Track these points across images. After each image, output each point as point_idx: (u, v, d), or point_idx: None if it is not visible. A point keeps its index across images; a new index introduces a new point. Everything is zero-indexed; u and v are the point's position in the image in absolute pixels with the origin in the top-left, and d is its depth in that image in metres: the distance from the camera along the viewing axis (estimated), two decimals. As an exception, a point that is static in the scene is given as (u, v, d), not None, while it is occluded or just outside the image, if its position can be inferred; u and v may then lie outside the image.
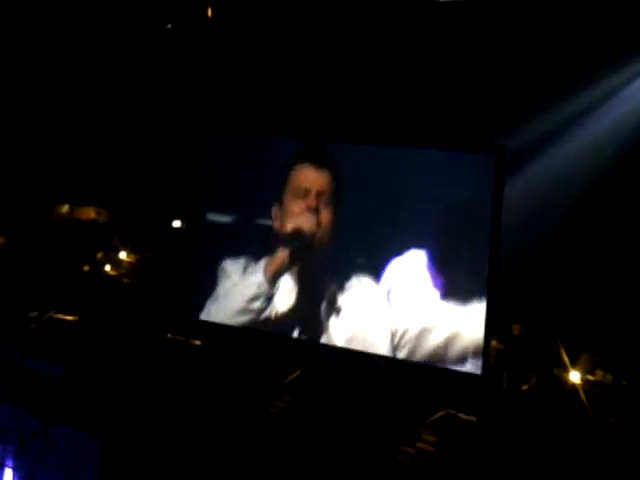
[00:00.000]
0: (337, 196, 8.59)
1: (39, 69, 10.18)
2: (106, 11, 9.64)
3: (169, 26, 9.57)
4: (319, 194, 8.62)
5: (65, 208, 10.91)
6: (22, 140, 10.50)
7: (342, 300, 8.49)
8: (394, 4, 8.30)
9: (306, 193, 8.65)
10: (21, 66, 10.19)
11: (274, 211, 8.82)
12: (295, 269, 8.73)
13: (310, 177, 8.70)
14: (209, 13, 9.33)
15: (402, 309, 8.19)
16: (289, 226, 8.66)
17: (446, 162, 8.08)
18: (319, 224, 8.58)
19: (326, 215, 8.60)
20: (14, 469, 8.47)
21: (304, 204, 8.63)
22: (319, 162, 8.68)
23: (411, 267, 8.15)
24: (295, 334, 8.73)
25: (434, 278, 8.03)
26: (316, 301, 8.63)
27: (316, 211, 8.59)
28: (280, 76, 9.03)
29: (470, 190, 7.91)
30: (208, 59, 9.44)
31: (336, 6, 8.57)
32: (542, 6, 7.64)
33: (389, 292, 8.24)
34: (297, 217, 8.63)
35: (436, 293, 8.01)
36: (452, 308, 7.91)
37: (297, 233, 8.62)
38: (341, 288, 8.49)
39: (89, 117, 10.25)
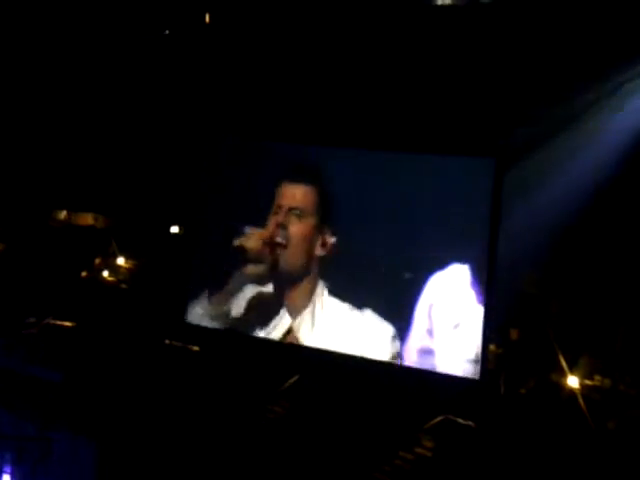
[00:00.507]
0: (326, 211, 8.67)
1: (38, 76, 10.19)
2: (104, 18, 9.65)
3: (167, 32, 9.58)
4: (290, 209, 8.70)
5: (63, 214, 10.92)
6: (21, 146, 10.50)
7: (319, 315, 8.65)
8: (391, 9, 8.30)
9: (279, 209, 8.76)
10: (21, 73, 10.21)
11: None
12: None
13: (286, 193, 8.80)
14: (207, 19, 9.35)
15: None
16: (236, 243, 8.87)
17: (445, 167, 8.10)
18: (288, 238, 8.68)
19: (295, 229, 8.68)
20: (12, 475, 8.47)
21: (275, 221, 8.74)
22: (296, 178, 8.76)
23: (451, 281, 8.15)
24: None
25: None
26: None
27: (284, 227, 8.70)
28: (277, 82, 9.05)
29: (469, 195, 7.92)
30: (205, 66, 9.45)
31: (334, 12, 8.58)
32: (544, 12, 7.64)
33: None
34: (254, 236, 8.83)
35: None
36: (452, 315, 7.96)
37: (238, 249, 8.81)
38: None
39: (87, 124, 10.26)
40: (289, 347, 8.76)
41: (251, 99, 9.21)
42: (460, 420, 7.46)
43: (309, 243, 8.64)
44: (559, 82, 7.63)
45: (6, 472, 8.46)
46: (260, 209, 8.93)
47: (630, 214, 7.55)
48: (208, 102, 9.50)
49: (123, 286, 10.13)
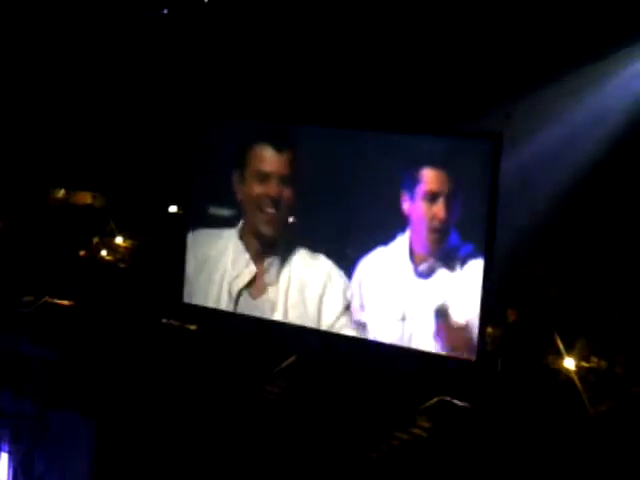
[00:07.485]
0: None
1: (34, 54, 10.15)
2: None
3: (165, 11, 9.54)
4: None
5: (61, 192, 10.91)
6: (19, 125, 10.48)
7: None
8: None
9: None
10: (16, 51, 10.16)
11: None
12: None
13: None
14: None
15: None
16: None
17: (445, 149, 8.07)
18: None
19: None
20: (10, 453, 8.51)
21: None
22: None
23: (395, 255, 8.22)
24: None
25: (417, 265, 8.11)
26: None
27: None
28: (275, 62, 9.00)
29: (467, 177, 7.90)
30: (203, 45, 9.41)
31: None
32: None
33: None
34: None
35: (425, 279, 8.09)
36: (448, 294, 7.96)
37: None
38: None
39: (85, 102, 10.23)
40: (287, 327, 8.77)
41: (249, 79, 9.17)
42: (456, 401, 7.49)
43: None
44: (557, 63, 7.59)
45: (4, 450, 8.51)
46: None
47: (628, 197, 7.54)
48: (206, 82, 9.45)
49: (121, 265, 10.13)
